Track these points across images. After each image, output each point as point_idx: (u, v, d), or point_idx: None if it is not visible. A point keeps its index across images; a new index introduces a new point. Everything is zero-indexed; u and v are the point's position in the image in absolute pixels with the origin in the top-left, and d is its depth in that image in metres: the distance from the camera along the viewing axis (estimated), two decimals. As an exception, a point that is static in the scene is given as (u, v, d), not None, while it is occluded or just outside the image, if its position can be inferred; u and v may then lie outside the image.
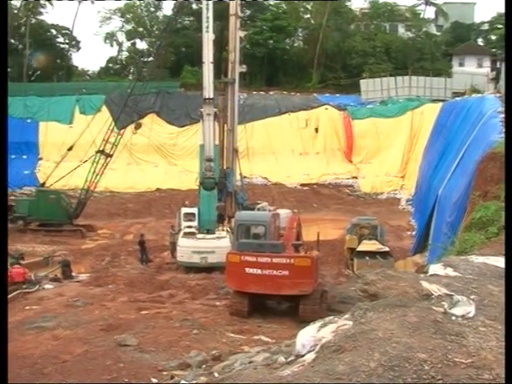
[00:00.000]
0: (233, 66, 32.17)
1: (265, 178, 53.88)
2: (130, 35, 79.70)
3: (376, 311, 7.35)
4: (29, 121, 58.36)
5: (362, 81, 61.05)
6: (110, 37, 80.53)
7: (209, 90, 28.67)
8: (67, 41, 79.42)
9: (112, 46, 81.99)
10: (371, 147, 56.02)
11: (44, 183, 42.31)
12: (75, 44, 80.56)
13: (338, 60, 70.17)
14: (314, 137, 57.68)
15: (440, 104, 52.03)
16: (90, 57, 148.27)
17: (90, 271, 28.02)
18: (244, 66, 33.17)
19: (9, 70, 72.02)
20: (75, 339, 13.82)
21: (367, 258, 24.75)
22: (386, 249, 25.75)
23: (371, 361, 5.82)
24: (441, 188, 29.11)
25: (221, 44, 32.05)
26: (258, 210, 29.02)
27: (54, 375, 10.89)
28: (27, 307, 18.57)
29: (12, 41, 72.87)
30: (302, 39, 77.32)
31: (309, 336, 8.24)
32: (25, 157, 56.48)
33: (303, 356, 7.99)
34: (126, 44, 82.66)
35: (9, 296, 19.56)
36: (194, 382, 9.52)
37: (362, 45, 68.10)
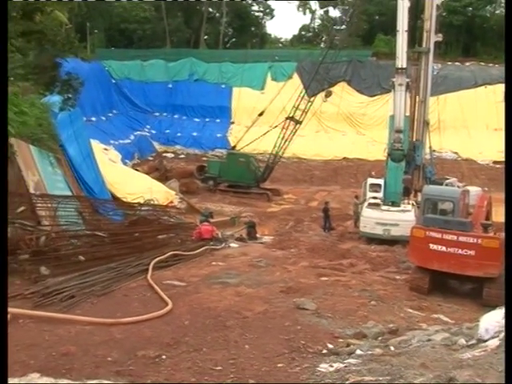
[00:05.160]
0: (428, 35, 31.02)
1: (455, 152, 51.68)
2: (323, 3, 79.84)
3: None
4: (223, 86, 60.96)
5: None
6: (304, 5, 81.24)
7: (402, 60, 27.85)
8: (261, 9, 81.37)
9: (305, 13, 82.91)
10: None
11: (235, 146, 44.13)
12: (269, 12, 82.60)
13: (546, 29, 64.65)
14: (513, 112, 53.90)
15: None
16: (283, 24, 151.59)
17: (273, 234, 28.86)
18: (440, 34, 31.75)
19: (206, 37, 75.82)
20: (256, 297, 14.29)
21: None
22: None
23: None
24: None
25: (416, 12, 30.93)
26: (447, 185, 28.00)
27: (236, 329, 11.36)
28: (213, 263, 19.49)
29: (210, 9, 76.24)
30: (505, 5, 72.13)
31: (493, 321, 7.89)
32: (218, 120, 59.24)
33: (486, 341, 7.68)
34: (319, 12, 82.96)
35: (197, 251, 20.80)
36: (370, 352, 9.49)
37: None
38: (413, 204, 27.00)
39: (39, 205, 19.16)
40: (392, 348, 9.78)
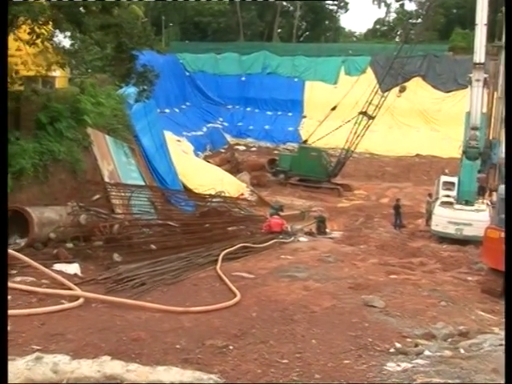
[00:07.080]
0: (509, 29, 30.08)
1: (534, 151, 49.94)
2: (399, -4, 78.52)
3: None
4: (296, 80, 60.88)
5: None
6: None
7: (480, 54, 27.05)
8: (336, 2, 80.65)
9: (380, 7, 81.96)
10: None
11: (306, 140, 44.02)
12: (343, 5, 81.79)
13: None
14: None
15: None
16: (358, 18, 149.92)
17: (343, 229, 28.68)
18: (521, 28, 30.74)
19: (279, 30, 75.91)
20: (324, 293, 14.21)
21: None
22: None
23: None
24: None
25: (496, 4, 29.99)
26: (524, 185, 27.11)
27: (302, 323, 11.34)
28: (282, 256, 19.52)
29: (283, 3, 76.22)
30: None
31: None
32: (290, 114, 59.21)
33: (562, 348, 7.39)
34: (395, 5, 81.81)
35: (266, 244, 20.90)
36: (439, 354, 9.31)
37: None
38: (487, 204, 26.30)
39: (113, 193, 19.75)
40: (462, 351, 9.56)
